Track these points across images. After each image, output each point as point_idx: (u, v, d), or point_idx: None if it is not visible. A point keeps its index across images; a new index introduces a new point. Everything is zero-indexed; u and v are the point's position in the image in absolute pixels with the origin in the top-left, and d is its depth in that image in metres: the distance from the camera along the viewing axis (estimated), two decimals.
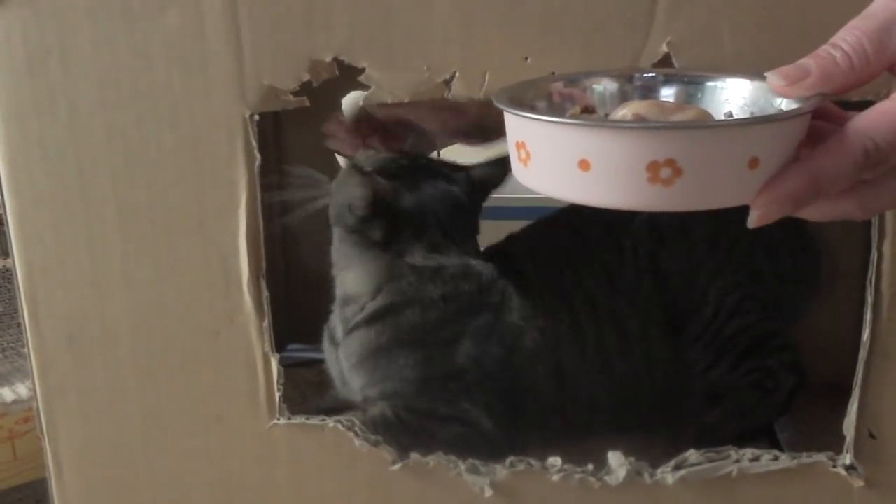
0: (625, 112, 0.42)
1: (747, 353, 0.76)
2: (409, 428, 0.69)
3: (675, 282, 0.75)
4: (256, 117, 0.55)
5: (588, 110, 0.47)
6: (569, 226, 0.79)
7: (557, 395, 0.74)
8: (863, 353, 0.54)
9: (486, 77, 0.53)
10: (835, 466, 0.55)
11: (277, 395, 0.59)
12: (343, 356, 0.74)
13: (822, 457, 0.55)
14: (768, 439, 0.76)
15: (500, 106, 0.42)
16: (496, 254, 0.78)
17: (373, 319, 0.72)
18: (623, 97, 0.48)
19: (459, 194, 0.72)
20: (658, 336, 0.76)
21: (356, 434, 0.59)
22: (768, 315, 0.77)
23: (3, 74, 0.56)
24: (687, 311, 0.75)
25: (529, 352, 0.73)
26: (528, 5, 0.52)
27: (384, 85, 0.54)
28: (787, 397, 0.76)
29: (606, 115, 0.46)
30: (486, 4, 0.52)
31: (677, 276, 0.75)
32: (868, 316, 0.53)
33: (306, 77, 0.54)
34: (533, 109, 0.45)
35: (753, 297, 0.76)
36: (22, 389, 0.80)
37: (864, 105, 0.41)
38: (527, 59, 0.52)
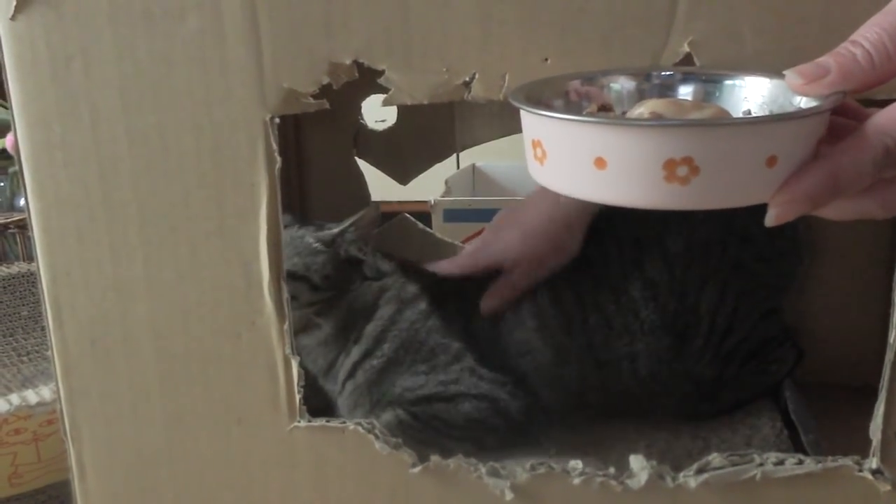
0: (642, 110, 0.42)
1: (750, 357, 0.80)
2: (423, 420, 0.71)
3: (665, 295, 0.77)
4: (277, 120, 0.56)
5: (605, 108, 0.46)
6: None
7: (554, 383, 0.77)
8: (889, 356, 0.53)
9: (506, 78, 0.52)
10: (861, 470, 0.54)
11: (298, 397, 0.59)
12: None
13: (847, 461, 0.54)
14: (772, 400, 0.81)
15: (516, 104, 0.42)
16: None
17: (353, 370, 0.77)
18: (640, 95, 0.47)
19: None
20: (660, 344, 0.78)
21: (376, 437, 0.59)
22: (763, 318, 0.80)
23: (26, 80, 0.57)
24: (685, 327, 0.78)
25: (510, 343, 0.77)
26: (548, 6, 0.51)
27: (403, 87, 0.54)
28: (787, 372, 0.82)
29: (624, 113, 0.45)
30: (504, 5, 0.52)
31: (664, 288, 0.77)
32: (894, 318, 0.52)
33: (326, 80, 0.54)
34: (550, 108, 0.45)
35: (745, 308, 0.78)
36: (46, 392, 0.81)
37: (885, 102, 0.40)
38: (546, 59, 0.52)
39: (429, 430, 0.72)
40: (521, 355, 0.77)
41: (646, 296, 0.76)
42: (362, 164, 1.03)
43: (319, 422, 0.60)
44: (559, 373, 0.76)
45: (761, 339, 0.81)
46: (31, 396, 0.80)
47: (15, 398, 0.80)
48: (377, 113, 1.05)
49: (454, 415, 0.72)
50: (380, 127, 1.04)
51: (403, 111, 1.03)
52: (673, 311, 0.77)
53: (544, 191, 0.77)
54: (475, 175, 1.67)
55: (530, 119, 0.42)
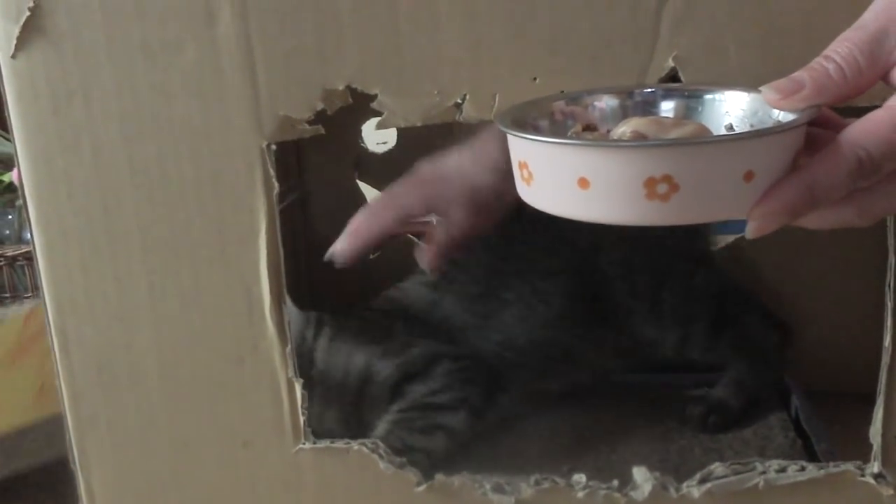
0: (624, 129, 0.43)
1: (717, 322, 0.80)
2: (417, 407, 0.74)
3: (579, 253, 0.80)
4: (274, 147, 0.57)
5: (590, 128, 0.47)
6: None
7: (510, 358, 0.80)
8: (885, 359, 0.53)
9: (496, 98, 0.53)
10: (863, 475, 0.54)
11: (302, 419, 0.60)
12: None
13: (849, 466, 0.55)
14: (783, 407, 0.82)
15: (502, 128, 0.43)
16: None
17: None
18: (624, 113, 0.48)
19: None
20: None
21: (380, 456, 0.59)
22: (697, 264, 0.81)
23: (28, 115, 0.58)
24: (595, 293, 0.80)
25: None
26: (535, 27, 0.52)
27: (396, 110, 0.55)
28: (776, 355, 0.82)
29: (608, 131, 0.46)
30: (493, 27, 0.53)
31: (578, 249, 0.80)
32: (888, 322, 0.53)
33: (320, 106, 0.55)
34: (536, 129, 0.46)
35: (664, 257, 0.80)
36: None
37: (863, 111, 0.41)
38: (535, 79, 0.53)
39: (424, 411, 0.74)
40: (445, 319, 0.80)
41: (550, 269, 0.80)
42: (364, 187, 1.04)
43: (324, 443, 0.60)
44: (478, 322, 0.80)
45: (708, 287, 0.81)
46: None
47: None
48: (377, 136, 1.06)
49: (436, 382, 0.75)
50: (380, 149, 1.05)
51: (403, 133, 1.04)
52: (574, 273, 0.80)
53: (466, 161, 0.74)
54: None
55: (515, 142, 0.43)
